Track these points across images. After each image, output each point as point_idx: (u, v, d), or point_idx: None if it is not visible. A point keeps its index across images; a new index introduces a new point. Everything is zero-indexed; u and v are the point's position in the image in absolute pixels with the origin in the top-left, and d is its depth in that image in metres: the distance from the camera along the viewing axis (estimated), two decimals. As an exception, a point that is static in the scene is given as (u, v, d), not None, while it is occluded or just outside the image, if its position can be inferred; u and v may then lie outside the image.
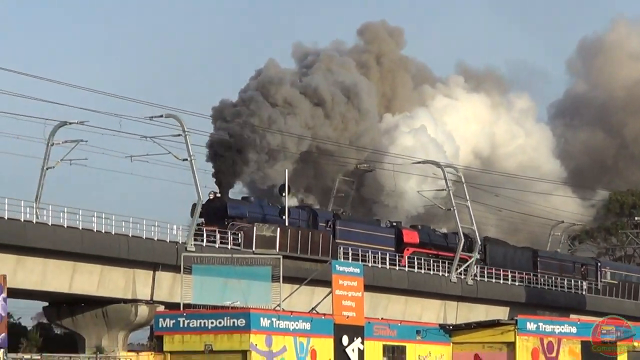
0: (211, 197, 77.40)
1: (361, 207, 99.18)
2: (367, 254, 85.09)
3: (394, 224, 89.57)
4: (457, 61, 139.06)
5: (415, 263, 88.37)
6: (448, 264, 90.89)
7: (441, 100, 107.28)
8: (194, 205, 75.78)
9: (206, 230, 74.28)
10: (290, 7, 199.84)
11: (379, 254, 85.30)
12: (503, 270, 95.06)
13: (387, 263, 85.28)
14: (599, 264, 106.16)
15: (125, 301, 70.06)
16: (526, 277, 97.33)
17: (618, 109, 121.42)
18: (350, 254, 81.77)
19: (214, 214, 76.19)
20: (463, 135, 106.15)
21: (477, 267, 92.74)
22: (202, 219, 75.60)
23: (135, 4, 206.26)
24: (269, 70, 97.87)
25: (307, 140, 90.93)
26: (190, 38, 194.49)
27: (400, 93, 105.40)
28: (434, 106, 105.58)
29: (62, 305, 71.55)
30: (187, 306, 59.97)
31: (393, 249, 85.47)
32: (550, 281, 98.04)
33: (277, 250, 72.28)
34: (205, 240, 73.23)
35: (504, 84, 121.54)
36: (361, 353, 59.85)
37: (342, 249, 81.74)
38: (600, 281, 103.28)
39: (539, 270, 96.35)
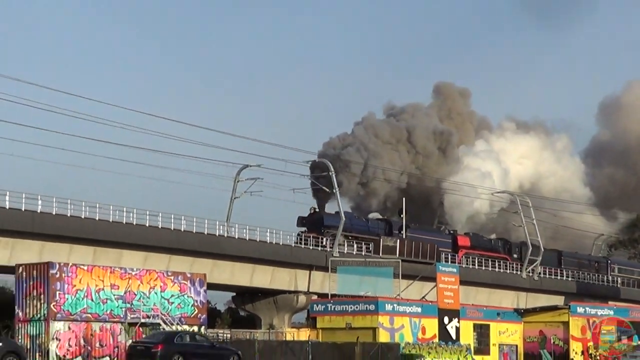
0: (311, 212, 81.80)
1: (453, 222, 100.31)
2: (468, 258, 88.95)
3: (451, 231, 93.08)
4: (508, 112, 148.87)
5: (497, 265, 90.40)
6: (520, 265, 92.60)
7: (496, 142, 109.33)
8: (299, 218, 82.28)
9: (306, 236, 79.21)
10: (371, 72, 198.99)
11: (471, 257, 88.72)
12: (560, 270, 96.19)
13: (476, 264, 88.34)
14: (609, 261, 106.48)
15: (290, 292, 75.91)
16: (577, 274, 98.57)
17: (634, 153, 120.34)
18: (449, 258, 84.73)
19: (314, 224, 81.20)
20: (515, 170, 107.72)
21: (541, 268, 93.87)
22: (305, 228, 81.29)
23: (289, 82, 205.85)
24: (370, 120, 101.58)
25: (404, 176, 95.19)
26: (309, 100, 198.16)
27: (465, 140, 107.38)
28: (491, 147, 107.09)
29: (245, 294, 77.65)
30: (334, 296, 65.68)
31: (450, 250, 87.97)
32: (576, 274, 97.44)
33: (397, 255, 77.10)
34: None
35: (547, 130, 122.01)
36: (457, 329, 62.99)
37: (443, 255, 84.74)
38: (610, 274, 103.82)
39: (562, 266, 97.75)
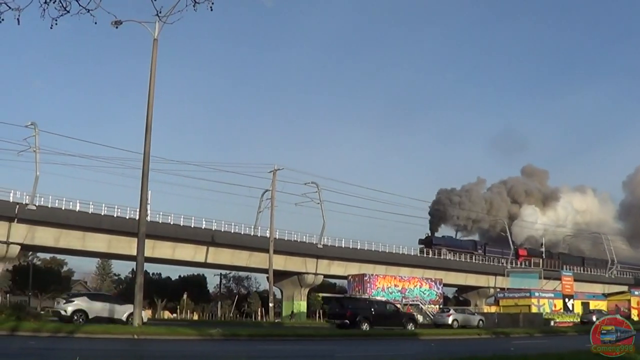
0: (426, 235, 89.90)
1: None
2: (580, 266, 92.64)
3: (516, 246, 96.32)
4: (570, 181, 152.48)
5: (597, 270, 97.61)
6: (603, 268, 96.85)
7: (566, 197, 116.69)
8: (419, 240, 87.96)
9: (422, 249, 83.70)
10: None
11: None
12: (584, 268, 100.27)
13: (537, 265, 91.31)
14: (584, 259, 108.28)
15: (485, 287, 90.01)
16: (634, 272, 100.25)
17: None
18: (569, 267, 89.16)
19: (428, 243, 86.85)
20: (579, 214, 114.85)
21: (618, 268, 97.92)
22: (423, 245, 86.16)
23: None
24: (494, 188, 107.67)
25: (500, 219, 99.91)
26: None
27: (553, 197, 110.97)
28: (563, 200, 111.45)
29: (462, 289, 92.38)
30: (508, 289, 74.38)
31: (514, 257, 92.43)
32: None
33: (540, 267, 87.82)
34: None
35: (594, 190, 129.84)
36: (572, 305, 68.01)
37: (565, 267, 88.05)
38: (608, 270, 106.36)
39: (585, 266, 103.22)
